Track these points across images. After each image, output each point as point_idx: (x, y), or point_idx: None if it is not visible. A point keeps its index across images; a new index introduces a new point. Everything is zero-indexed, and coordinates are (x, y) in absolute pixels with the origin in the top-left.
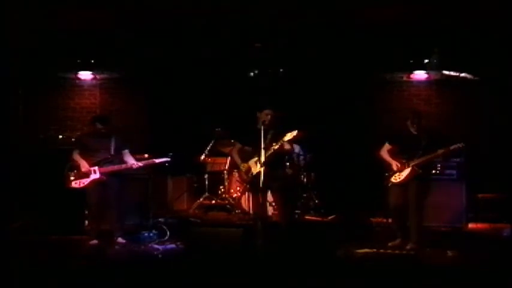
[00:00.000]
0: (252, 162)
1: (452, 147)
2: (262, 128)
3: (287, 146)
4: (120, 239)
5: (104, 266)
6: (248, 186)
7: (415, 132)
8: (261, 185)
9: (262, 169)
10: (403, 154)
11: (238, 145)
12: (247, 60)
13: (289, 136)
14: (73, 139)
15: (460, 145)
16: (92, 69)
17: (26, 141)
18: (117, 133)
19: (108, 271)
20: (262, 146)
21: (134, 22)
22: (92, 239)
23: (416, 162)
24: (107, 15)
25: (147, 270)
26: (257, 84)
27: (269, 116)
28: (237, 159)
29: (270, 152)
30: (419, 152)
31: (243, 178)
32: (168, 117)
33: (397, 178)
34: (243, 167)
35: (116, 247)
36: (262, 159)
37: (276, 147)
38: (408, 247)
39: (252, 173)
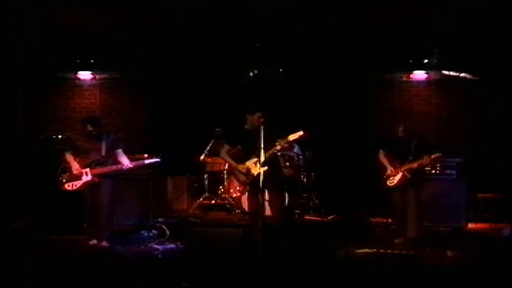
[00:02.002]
0: (250, 162)
1: (433, 157)
2: (261, 129)
3: (286, 145)
4: (104, 243)
5: (104, 266)
6: (248, 187)
7: (402, 137)
8: (261, 186)
9: (263, 169)
10: (396, 158)
11: (227, 146)
12: (247, 60)
13: (293, 136)
14: (59, 137)
15: (438, 154)
16: (92, 69)
17: (26, 141)
18: (108, 133)
19: (108, 271)
20: (262, 147)
21: (134, 22)
22: (91, 239)
23: (406, 168)
24: (107, 16)
25: (147, 270)
26: (257, 84)
27: (261, 119)
28: (230, 161)
29: (270, 152)
30: (410, 158)
31: (241, 179)
32: (168, 117)
33: (391, 182)
34: (242, 168)
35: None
36: (262, 159)
37: (279, 147)
38: (410, 235)
39: (253, 174)
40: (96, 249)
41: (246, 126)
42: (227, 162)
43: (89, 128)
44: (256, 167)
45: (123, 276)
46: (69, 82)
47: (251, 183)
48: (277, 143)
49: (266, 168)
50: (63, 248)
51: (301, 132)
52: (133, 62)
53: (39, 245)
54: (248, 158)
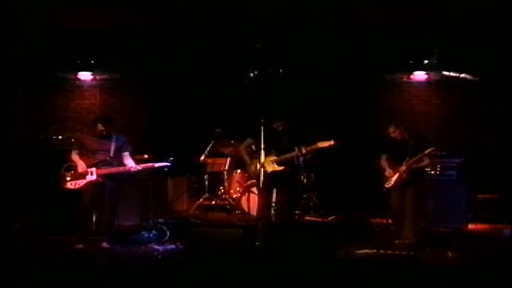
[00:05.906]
0: (267, 160)
1: (426, 152)
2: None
3: (313, 151)
4: (104, 244)
5: (104, 266)
6: (260, 185)
7: (399, 139)
8: (273, 184)
9: (280, 168)
10: (395, 161)
11: (250, 140)
12: (247, 60)
13: (323, 144)
14: (73, 139)
15: (431, 148)
16: (92, 70)
17: (26, 142)
18: (118, 134)
19: (108, 271)
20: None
21: (134, 22)
22: (79, 243)
23: (403, 168)
24: (107, 16)
25: (147, 271)
26: (257, 84)
27: (281, 128)
28: (246, 157)
29: (293, 154)
30: (407, 158)
31: (253, 174)
32: (168, 118)
33: (388, 183)
34: (257, 163)
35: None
36: (263, 158)
37: (304, 151)
38: (407, 241)
39: (266, 171)
40: (96, 250)
41: (274, 125)
42: (242, 156)
43: (100, 127)
44: (272, 165)
45: (123, 276)
46: (69, 82)
47: (263, 180)
48: (303, 147)
49: (283, 167)
50: (63, 248)
51: (331, 142)
52: (133, 62)
53: (39, 245)
54: (266, 155)
